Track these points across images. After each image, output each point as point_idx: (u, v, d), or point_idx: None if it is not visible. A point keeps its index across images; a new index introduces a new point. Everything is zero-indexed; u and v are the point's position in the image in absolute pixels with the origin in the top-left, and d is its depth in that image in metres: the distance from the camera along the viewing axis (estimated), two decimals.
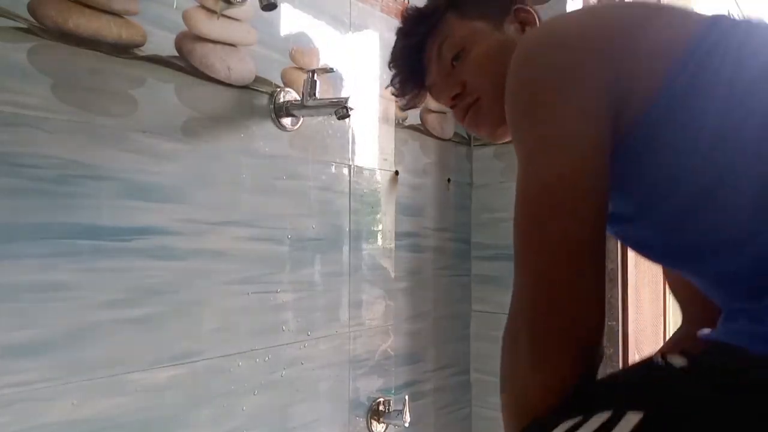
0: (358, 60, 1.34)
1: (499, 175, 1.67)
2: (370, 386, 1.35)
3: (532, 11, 0.82)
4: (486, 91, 0.79)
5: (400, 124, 1.45)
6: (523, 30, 0.81)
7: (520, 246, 0.55)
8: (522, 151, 0.57)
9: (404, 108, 0.93)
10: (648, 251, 0.66)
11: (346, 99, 1.10)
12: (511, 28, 0.81)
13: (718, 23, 0.57)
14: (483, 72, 0.79)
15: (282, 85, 1.15)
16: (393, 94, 0.91)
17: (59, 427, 0.83)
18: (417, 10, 0.86)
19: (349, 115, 1.11)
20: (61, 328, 0.83)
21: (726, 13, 0.60)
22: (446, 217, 1.61)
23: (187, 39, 1.00)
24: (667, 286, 0.93)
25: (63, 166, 0.84)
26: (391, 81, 0.89)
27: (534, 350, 0.53)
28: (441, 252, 1.58)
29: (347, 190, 1.30)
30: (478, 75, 0.79)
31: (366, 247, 1.34)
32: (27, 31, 0.81)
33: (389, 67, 0.89)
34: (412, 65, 0.86)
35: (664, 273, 0.93)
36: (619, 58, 0.57)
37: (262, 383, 1.10)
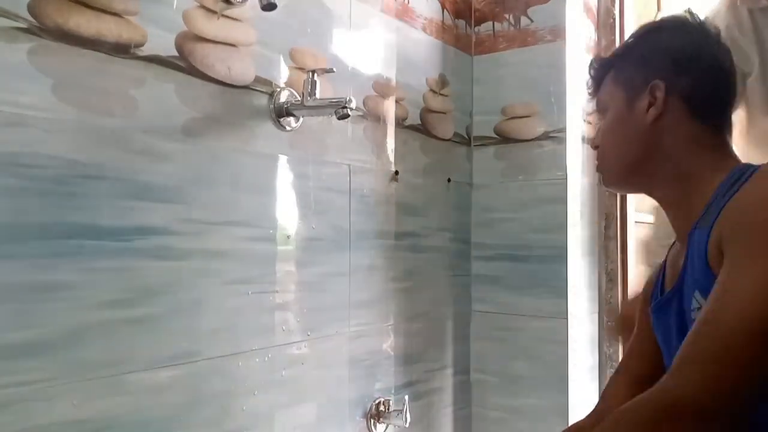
0: (358, 60, 1.34)
1: (499, 175, 1.67)
2: (370, 386, 1.35)
3: (664, 95, 0.83)
4: (601, 156, 0.91)
5: (400, 124, 1.46)
6: (647, 110, 0.83)
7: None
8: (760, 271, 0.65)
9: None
10: None
11: (346, 99, 1.10)
12: (640, 106, 0.84)
13: None
14: (605, 141, 0.89)
15: (282, 85, 1.15)
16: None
17: (59, 427, 0.83)
18: (600, 56, 0.97)
19: (349, 115, 1.11)
20: (61, 328, 0.83)
21: None
22: (446, 217, 1.61)
23: (187, 39, 1.00)
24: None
25: (63, 166, 0.84)
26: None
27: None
28: (441, 252, 1.58)
29: (347, 190, 1.30)
30: (602, 141, 0.90)
31: (366, 247, 1.34)
32: (27, 31, 0.81)
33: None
34: (595, 87, 0.95)
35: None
36: None
37: (262, 383, 1.10)
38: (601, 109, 0.92)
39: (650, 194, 0.90)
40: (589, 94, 0.96)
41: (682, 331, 0.77)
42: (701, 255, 0.74)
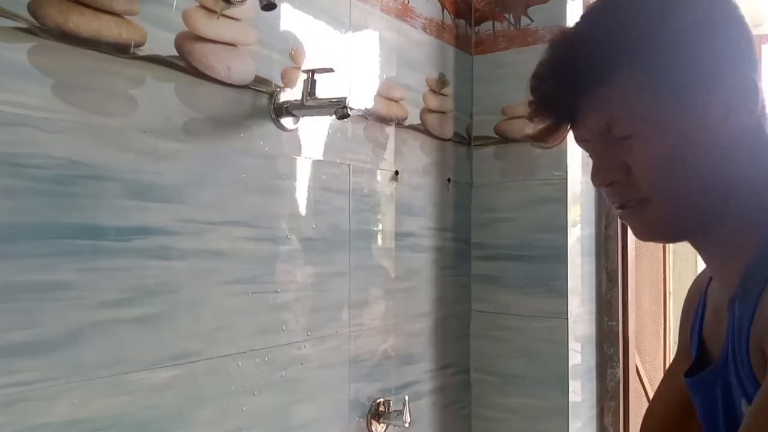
0: (358, 60, 1.34)
1: (499, 175, 1.67)
2: (370, 386, 1.35)
3: (752, 80, 0.59)
4: (657, 195, 0.61)
5: (400, 124, 1.46)
6: (726, 117, 0.59)
7: None
8: None
9: (534, 138, 0.68)
10: None
11: (346, 99, 1.10)
12: (714, 112, 0.59)
13: None
14: (660, 175, 0.60)
15: (282, 85, 1.15)
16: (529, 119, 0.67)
17: (59, 427, 0.83)
18: (581, 49, 0.61)
19: (349, 115, 1.11)
20: (61, 328, 0.83)
21: None
22: (446, 217, 1.61)
23: (187, 39, 1.00)
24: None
25: (63, 166, 0.84)
26: (530, 112, 0.66)
27: None
28: (441, 252, 1.58)
29: (347, 190, 1.30)
30: (652, 176, 0.61)
31: (366, 247, 1.34)
32: (27, 31, 0.81)
33: (530, 95, 0.65)
34: (558, 113, 0.65)
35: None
36: None
37: (262, 383, 1.10)
38: (606, 132, 0.62)
39: (702, 241, 0.65)
40: (552, 113, 0.64)
41: (731, 423, 0.63)
42: (743, 350, 0.58)
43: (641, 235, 0.66)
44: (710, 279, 0.73)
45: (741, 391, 0.59)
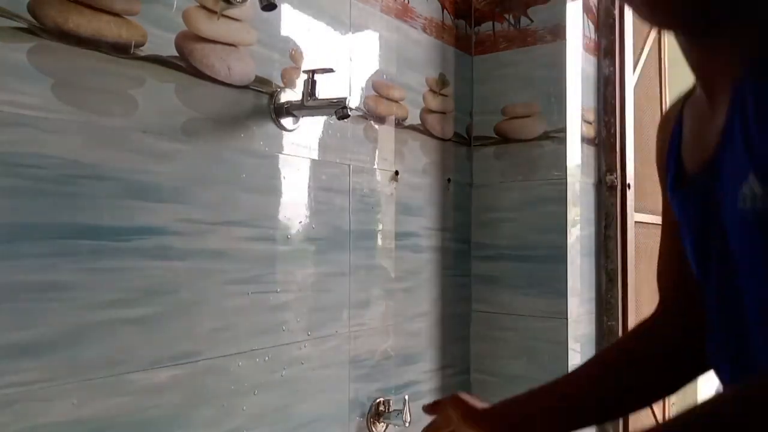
0: (358, 60, 1.34)
1: (499, 175, 1.67)
2: (370, 386, 1.35)
3: None
4: None
5: (400, 124, 1.46)
6: None
7: None
8: None
9: None
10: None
11: (346, 99, 1.10)
12: None
13: None
14: None
15: (282, 85, 1.15)
16: None
17: (59, 427, 0.83)
18: None
19: (349, 115, 1.11)
20: (61, 328, 0.83)
21: None
22: (446, 217, 1.61)
23: (187, 39, 1.00)
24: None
25: (63, 166, 0.84)
26: None
27: None
28: (441, 252, 1.58)
29: (347, 190, 1.30)
30: None
31: (366, 247, 1.34)
32: (27, 31, 0.81)
33: None
34: None
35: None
36: None
37: (262, 383, 1.10)
38: None
39: (723, 24, 0.53)
40: None
41: (722, 235, 0.55)
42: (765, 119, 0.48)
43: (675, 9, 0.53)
44: (683, 104, 0.67)
45: (750, 167, 0.49)
